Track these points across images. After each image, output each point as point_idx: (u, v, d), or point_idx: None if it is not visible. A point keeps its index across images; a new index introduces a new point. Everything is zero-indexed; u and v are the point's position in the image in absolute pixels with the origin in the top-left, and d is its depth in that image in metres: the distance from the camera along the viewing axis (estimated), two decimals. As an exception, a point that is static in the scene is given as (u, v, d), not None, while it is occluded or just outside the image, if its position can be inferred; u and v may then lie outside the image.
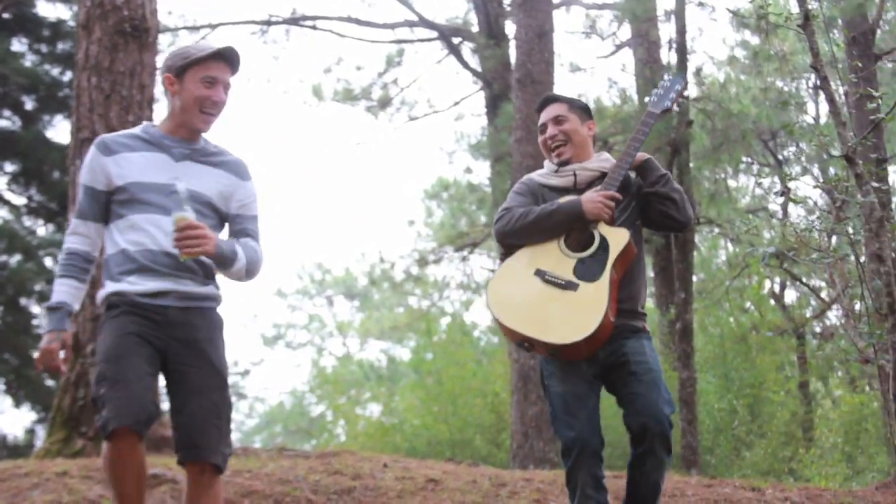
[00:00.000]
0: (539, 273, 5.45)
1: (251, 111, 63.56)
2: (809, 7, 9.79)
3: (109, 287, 5.13)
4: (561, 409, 5.43)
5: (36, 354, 5.03)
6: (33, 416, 21.74)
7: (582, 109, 5.87)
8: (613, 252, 5.40)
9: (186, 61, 5.20)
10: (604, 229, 5.45)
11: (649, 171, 5.67)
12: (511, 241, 5.63)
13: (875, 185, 9.54)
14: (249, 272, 5.31)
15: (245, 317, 55.62)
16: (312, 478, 8.51)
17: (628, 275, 5.53)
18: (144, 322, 5.02)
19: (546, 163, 5.89)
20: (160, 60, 10.09)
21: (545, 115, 5.84)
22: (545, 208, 5.55)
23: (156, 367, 4.99)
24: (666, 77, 5.65)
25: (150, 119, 11.30)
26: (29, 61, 21.30)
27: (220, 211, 5.32)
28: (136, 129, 5.37)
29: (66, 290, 5.20)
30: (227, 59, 5.27)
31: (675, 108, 5.73)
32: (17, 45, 21.26)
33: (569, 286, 5.39)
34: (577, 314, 5.33)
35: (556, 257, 5.48)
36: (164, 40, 20.40)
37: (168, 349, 5.03)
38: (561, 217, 5.51)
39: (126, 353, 4.90)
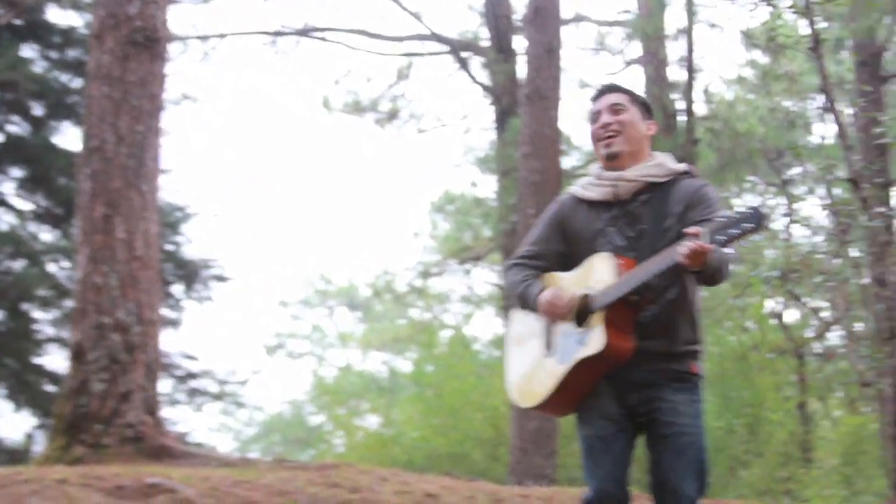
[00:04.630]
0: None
1: (260, 121, 63.65)
2: (819, 30, 9.83)
3: None
4: (585, 454, 4.91)
5: None
6: (33, 421, 21.78)
7: (644, 105, 5.12)
8: (581, 353, 4.76)
9: None
10: (597, 322, 4.73)
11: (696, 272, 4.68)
12: None
13: (880, 209, 9.57)
14: None
15: (247, 325, 55.71)
16: (311, 490, 8.51)
17: (665, 315, 4.82)
18: None
19: (591, 167, 5.24)
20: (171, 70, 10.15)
21: (600, 103, 5.08)
22: (523, 293, 5.06)
23: None
24: (739, 209, 4.34)
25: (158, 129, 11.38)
26: (39, 67, 21.33)
27: None
28: None
29: None
30: None
31: (730, 250, 4.46)
32: (28, 51, 21.31)
33: (547, 348, 5.00)
34: (538, 381, 5.01)
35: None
36: (174, 50, 20.48)
37: None
38: (531, 309, 5.05)
39: None
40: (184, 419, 24.00)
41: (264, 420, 40.77)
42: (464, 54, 23.00)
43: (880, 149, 11.42)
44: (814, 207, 23.59)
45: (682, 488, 4.72)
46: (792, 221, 21.70)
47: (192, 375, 21.63)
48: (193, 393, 21.96)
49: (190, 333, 37.90)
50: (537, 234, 5.21)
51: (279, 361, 41.64)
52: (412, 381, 24.43)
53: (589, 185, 5.06)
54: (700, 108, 20.40)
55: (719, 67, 29.28)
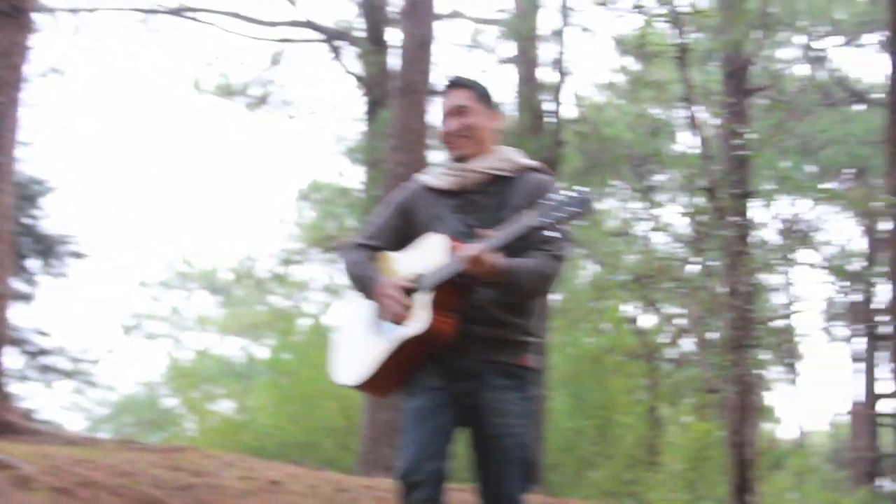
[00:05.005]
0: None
1: (132, 98, 62.79)
2: (686, 41, 9.98)
3: None
4: (406, 426, 4.80)
5: None
6: None
7: (489, 99, 5.11)
8: (404, 333, 4.73)
9: None
10: (423, 303, 4.69)
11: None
12: None
13: (735, 219, 9.74)
14: None
15: (105, 304, 55.00)
16: (154, 472, 8.43)
17: (499, 301, 4.74)
18: None
19: (440, 158, 5.25)
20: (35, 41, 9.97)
21: (447, 103, 5.08)
22: (360, 276, 5.01)
23: None
24: (567, 192, 4.35)
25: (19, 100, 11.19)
26: None
27: None
28: None
29: None
30: None
31: (553, 233, 4.39)
32: None
33: (375, 326, 4.95)
34: (362, 358, 4.95)
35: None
36: (41, 21, 20.09)
37: None
38: (366, 294, 4.98)
39: None
40: (34, 396, 23.61)
41: (117, 400, 40.33)
42: (338, 43, 22.92)
43: (740, 160, 11.62)
44: (675, 215, 23.91)
45: (507, 490, 4.74)
46: (653, 228, 22.04)
47: (43, 352, 21.28)
48: (44, 370, 21.61)
49: (44, 309, 37.24)
50: (382, 216, 5.20)
51: (135, 342, 41.19)
52: (268, 367, 24.39)
53: (437, 174, 5.07)
54: (569, 111, 20.57)
55: (590, 71, 29.56)
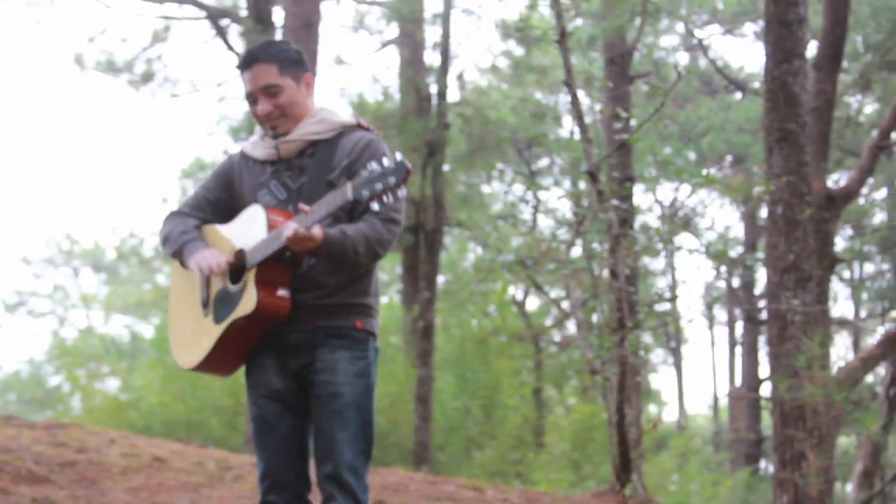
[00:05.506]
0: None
1: (15, 72, 61.78)
2: (566, 25, 10.09)
3: None
4: (253, 434, 4.73)
5: None
6: None
7: (295, 63, 4.76)
8: (234, 314, 4.57)
9: None
10: (249, 281, 4.53)
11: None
12: None
13: (616, 202, 9.88)
14: None
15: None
16: (36, 448, 8.39)
17: (324, 266, 4.60)
18: None
19: (258, 127, 4.88)
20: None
21: (252, 82, 4.72)
22: (180, 245, 4.81)
23: None
24: (384, 162, 4.22)
25: None
26: None
27: None
28: None
29: None
30: None
31: (374, 206, 4.21)
32: None
33: (204, 306, 4.78)
34: (195, 341, 4.79)
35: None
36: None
37: None
38: (185, 265, 4.79)
39: None
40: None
41: (0, 378, 39.91)
42: (222, 22, 22.78)
43: (621, 145, 11.79)
44: (559, 198, 24.11)
45: (339, 454, 4.52)
46: (536, 211, 22.22)
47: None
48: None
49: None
50: (205, 186, 5.04)
51: (19, 320, 40.72)
52: (154, 346, 24.18)
53: (257, 142, 4.89)
54: (453, 94, 20.67)
55: (475, 55, 29.61)
